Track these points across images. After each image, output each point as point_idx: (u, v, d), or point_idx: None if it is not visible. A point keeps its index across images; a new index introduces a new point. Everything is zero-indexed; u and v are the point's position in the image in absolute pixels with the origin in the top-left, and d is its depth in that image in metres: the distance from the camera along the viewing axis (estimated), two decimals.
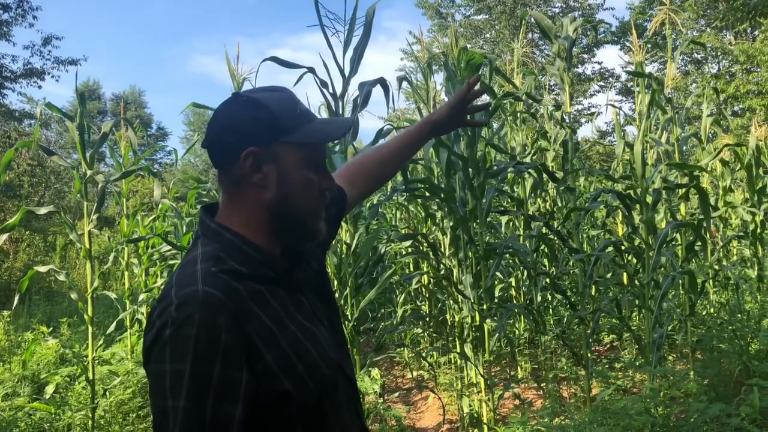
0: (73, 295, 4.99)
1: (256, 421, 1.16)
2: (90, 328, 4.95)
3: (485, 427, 4.84)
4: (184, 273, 1.21)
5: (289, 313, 1.27)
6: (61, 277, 4.94)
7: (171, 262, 8.11)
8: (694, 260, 6.17)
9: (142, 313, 8.02)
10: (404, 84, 5.96)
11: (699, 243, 5.26)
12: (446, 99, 5.48)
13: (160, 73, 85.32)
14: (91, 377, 4.81)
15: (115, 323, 6.37)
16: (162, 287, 1.14)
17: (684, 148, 6.39)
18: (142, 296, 7.25)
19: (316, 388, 1.24)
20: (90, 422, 4.78)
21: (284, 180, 1.29)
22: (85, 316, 4.97)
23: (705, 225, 5.10)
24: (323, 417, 1.28)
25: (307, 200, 1.32)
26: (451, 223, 5.36)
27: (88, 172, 4.95)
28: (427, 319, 6.45)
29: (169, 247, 6.77)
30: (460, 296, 5.11)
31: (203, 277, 1.18)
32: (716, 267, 6.85)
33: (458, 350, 5.33)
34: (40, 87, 24.17)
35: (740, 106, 20.48)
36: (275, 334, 1.21)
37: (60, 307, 11.42)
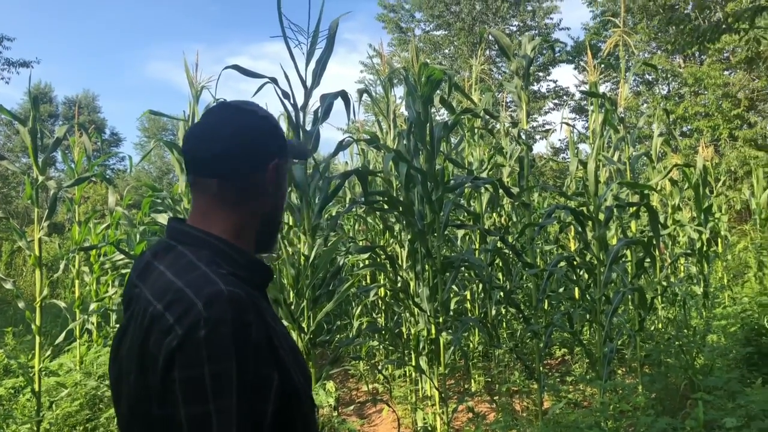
0: (20, 304, 4.85)
1: (274, 420, 1.16)
2: (37, 338, 4.82)
3: None
4: (190, 275, 1.18)
5: (274, 315, 1.29)
6: (8, 285, 4.81)
7: (123, 271, 7.95)
8: (643, 276, 6.32)
9: (92, 323, 7.83)
10: (364, 96, 6.00)
11: (648, 260, 5.41)
12: (406, 114, 5.54)
13: (115, 78, 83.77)
14: (36, 389, 4.68)
15: (64, 333, 6.19)
16: (153, 293, 1.09)
17: (635, 166, 6.57)
18: (92, 306, 7.09)
19: (308, 384, 1.28)
20: None
21: (278, 190, 1.37)
22: (33, 326, 4.84)
23: (654, 242, 5.25)
24: (311, 417, 1.29)
25: (281, 211, 1.42)
26: (409, 236, 5.40)
27: (40, 178, 4.84)
28: (383, 331, 6.46)
29: (121, 256, 6.64)
30: (416, 309, 5.14)
31: (219, 277, 1.16)
32: (664, 283, 7.04)
33: (413, 363, 5.35)
34: None
35: (689, 127, 21.13)
36: (278, 332, 1.23)
37: (5, 316, 11.06)
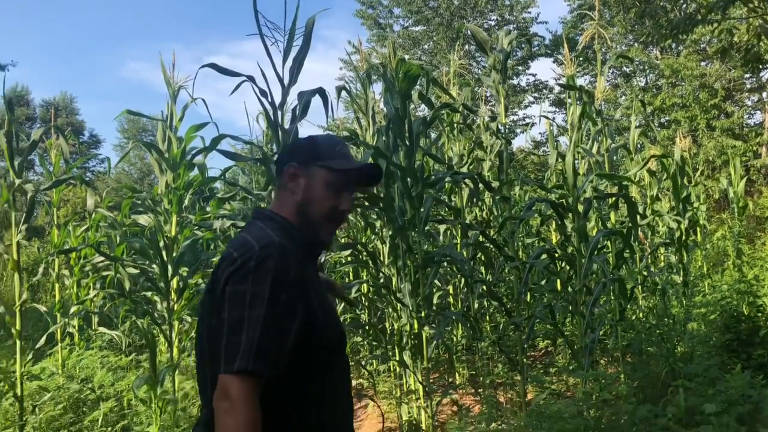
0: (0, 309, 4.81)
1: (299, 341, 1.56)
2: (18, 342, 4.78)
3: None
4: (256, 233, 1.66)
5: (317, 281, 1.77)
6: None
7: (104, 273, 7.89)
8: (623, 267, 6.39)
9: (74, 326, 7.78)
10: (343, 93, 6.00)
11: (628, 250, 5.46)
12: (384, 109, 5.54)
13: (92, 79, 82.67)
14: (19, 393, 4.65)
15: (45, 337, 6.14)
16: (229, 245, 1.75)
17: (614, 158, 6.63)
18: (73, 309, 7.03)
19: (336, 332, 1.72)
20: None
21: (309, 190, 1.76)
22: (13, 330, 4.80)
23: (633, 233, 5.30)
24: (336, 364, 1.73)
25: (321, 210, 1.75)
26: (390, 232, 5.41)
27: (17, 181, 4.79)
28: (367, 327, 6.48)
29: (102, 258, 6.59)
30: (399, 304, 5.16)
31: (276, 234, 1.66)
32: (644, 273, 7.11)
33: (397, 358, 5.38)
34: None
35: (666, 118, 21.31)
36: (315, 286, 1.70)
37: None
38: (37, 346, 6.22)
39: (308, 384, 1.63)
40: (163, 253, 5.42)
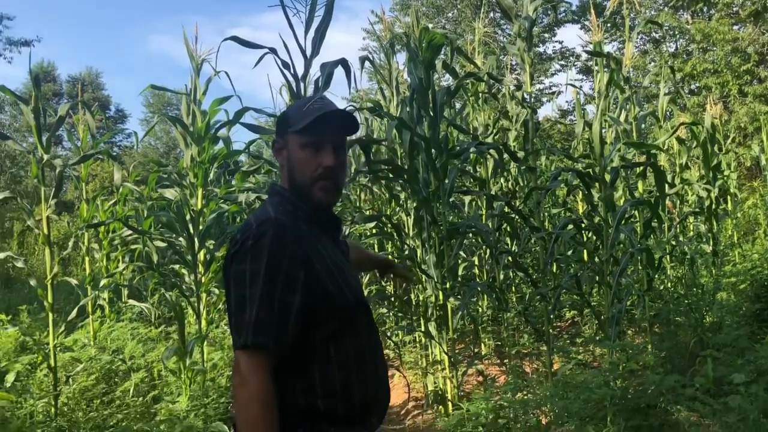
0: (33, 282, 4.90)
1: (307, 310, 1.64)
2: (50, 314, 4.87)
3: (449, 403, 4.92)
4: (258, 212, 1.76)
5: (332, 248, 1.82)
6: (19, 264, 4.85)
7: (133, 246, 8.00)
8: (651, 236, 6.30)
9: (104, 299, 7.91)
10: (367, 64, 5.94)
11: (656, 220, 5.38)
12: (408, 79, 5.49)
13: (117, 54, 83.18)
14: (52, 364, 4.75)
15: (76, 309, 6.25)
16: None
17: (642, 126, 6.51)
18: (103, 281, 7.15)
19: (351, 297, 1.75)
20: (53, 409, 4.72)
21: (290, 158, 1.81)
22: (45, 303, 4.89)
23: (662, 202, 5.22)
24: (358, 327, 1.77)
25: (305, 172, 1.78)
26: (415, 204, 5.39)
27: (45, 157, 4.84)
28: (392, 298, 6.50)
29: (130, 232, 6.68)
30: (423, 276, 5.16)
31: (273, 210, 1.73)
32: (673, 243, 7.01)
33: (423, 329, 5.39)
34: None
35: (697, 85, 20.84)
36: (323, 255, 1.73)
37: (19, 295, 11.19)
38: (69, 318, 6.34)
39: (329, 348, 1.68)
40: (190, 226, 5.46)
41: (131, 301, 7.82)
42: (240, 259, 1.63)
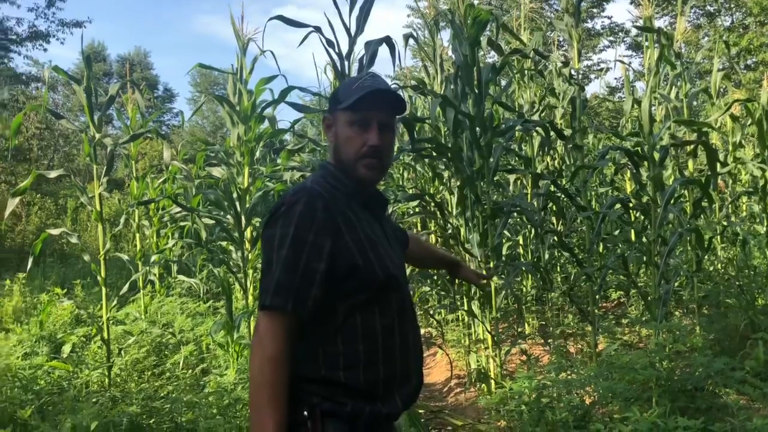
0: (86, 257, 5.06)
1: (333, 280, 1.66)
2: (103, 289, 5.03)
3: (492, 382, 4.93)
4: (298, 185, 1.79)
5: (369, 224, 1.80)
6: (74, 240, 5.00)
7: (182, 223, 8.18)
8: (701, 216, 6.16)
9: (155, 274, 8.13)
10: (411, 42, 5.91)
11: (706, 199, 5.26)
12: (452, 57, 5.44)
13: (164, 34, 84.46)
14: (106, 337, 4.91)
15: (128, 284, 6.45)
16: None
17: (693, 103, 6.33)
18: (154, 257, 7.34)
19: (381, 272, 1.73)
20: (106, 380, 4.89)
21: (338, 135, 1.83)
22: (99, 278, 5.05)
23: (713, 181, 5.09)
24: (388, 303, 1.75)
25: (350, 149, 1.80)
26: (458, 183, 5.37)
27: (97, 135, 4.97)
28: (435, 277, 6.51)
29: (179, 209, 6.82)
30: (467, 255, 5.15)
31: (311, 181, 1.79)
32: (724, 223, 6.84)
33: (466, 308, 5.40)
34: (45, 50, 24.05)
35: (753, 60, 20.13)
36: (356, 228, 1.73)
37: (73, 269, 11.56)
38: (121, 293, 6.56)
39: (354, 320, 1.68)
40: (237, 204, 5.56)
41: (180, 277, 8.02)
42: (272, 223, 1.69)
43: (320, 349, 1.67)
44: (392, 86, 4.82)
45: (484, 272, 4.99)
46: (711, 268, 6.92)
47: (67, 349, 5.70)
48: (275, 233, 1.66)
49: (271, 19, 4.29)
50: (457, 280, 6.10)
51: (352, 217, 1.74)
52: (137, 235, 8.17)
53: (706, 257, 5.84)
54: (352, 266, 1.67)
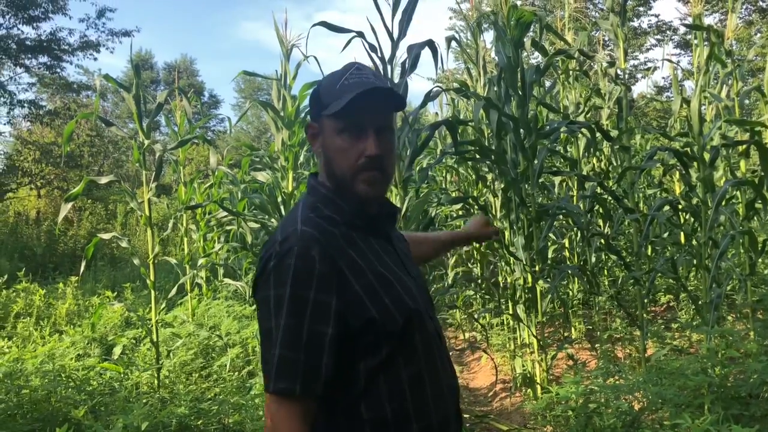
0: (136, 261, 5.17)
1: (347, 339, 1.38)
2: (152, 292, 5.13)
3: (538, 386, 4.87)
4: (287, 219, 1.50)
5: (378, 255, 1.51)
6: (124, 244, 5.12)
7: (228, 227, 8.30)
8: (755, 218, 5.98)
9: (202, 278, 8.26)
10: (453, 44, 5.89)
11: (760, 201, 5.11)
12: (496, 59, 5.41)
13: (209, 41, 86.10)
14: (155, 339, 5.01)
15: (176, 288, 6.58)
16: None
17: (745, 102, 6.16)
18: (201, 261, 7.46)
19: (401, 317, 1.43)
20: (156, 381, 4.99)
21: (326, 147, 1.52)
22: (148, 281, 5.15)
23: (766, 182, 4.94)
24: (412, 348, 1.47)
25: (342, 164, 1.49)
26: (502, 185, 5.33)
27: (146, 142, 5.08)
28: (479, 281, 6.47)
29: (225, 213, 6.93)
30: (512, 258, 5.11)
31: (302, 219, 1.45)
32: None
33: (510, 312, 5.35)
34: (95, 59, 24.62)
35: None
36: (363, 269, 1.44)
37: (123, 273, 11.84)
38: (169, 296, 6.68)
39: (378, 379, 1.41)
40: (281, 208, 5.62)
41: (227, 280, 8.13)
42: (263, 283, 1.39)
43: (342, 417, 1.42)
44: (434, 88, 4.82)
45: (529, 276, 4.94)
46: (765, 272, 6.71)
47: (117, 350, 5.83)
48: (269, 296, 1.36)
49: (314, 25, 4.34)
50: (500, 284, 6.06)
51: (358, 256, 1.45)
52: (185, 239, 8.32)
53: (760, 260, 5.67)
54: (366, 321, 1.39)
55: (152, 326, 5.03)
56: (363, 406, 1.40)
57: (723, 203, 4.95)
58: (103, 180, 5.17)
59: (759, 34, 21.50)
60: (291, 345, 1.33)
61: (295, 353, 1.33)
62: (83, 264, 4.98)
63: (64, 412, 4.17)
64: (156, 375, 5.00)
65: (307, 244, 1.37)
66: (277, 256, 1.38)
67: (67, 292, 8.30)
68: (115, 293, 8.33)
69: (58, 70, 19.23)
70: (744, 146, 5.48)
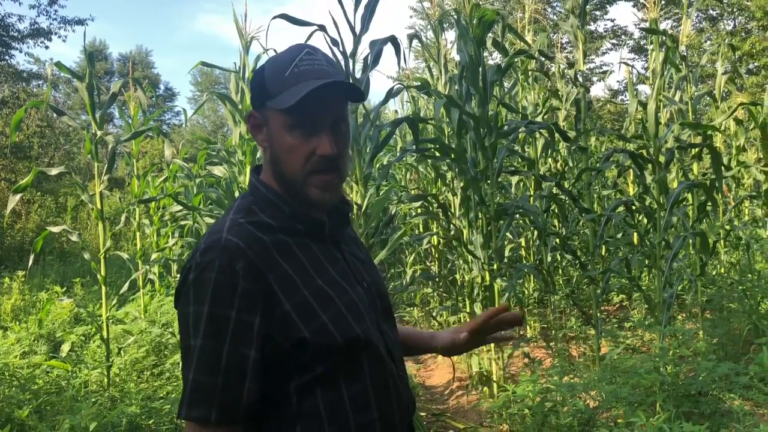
0: (86, 256, 5.02)
1: (275, 362, 1.23)
2: (103, 288, 5.00)
3: (495, 384, 4.90)
4: (216, 223, 1.32)
5: (319, 266, 1.32)
6: (74, 238, 4.97)
7: (182, 222, 8.15)
8: (705, 220, 6.13)
9: (154, 273, 8.09)
10: (414, 42, 5.88)
11: (710, 203, 5.23)
12: (457, 59, 5.42)
13: (166, 33, 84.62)
14: (105, 336, 4.87)
15: (128, 283, 6.42)
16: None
17: (698, 106, 6.31)
18: (154, 256, 7.30)
19: (341, 336, 1.26)
20: (105, 379, 4.86)
21: (272, 143, 1.34)
22: (98, 276, 5.01)
23: (717, 185, 5.06)
24: (357, 366, 1.31)
25: (292, 164, 1.31)
26: (462, 184, 5.34)
27: (99, 133, 4.93)
28: (437, 279, 6.48)
29: (180, 208, 6.79)
30: (470, 256, 5.12)
31: (229, 226, 1.27)
32: (728, 227, 6.81)
33: (468, 310, 5.37)
34: (47, 47, 23.90)
35: (755, 64, 20.11)
36: (297, 284, 1.26)
37: (73, 268, 11.53)
38: (121, 291, 6.53)
39: (314, 399, 1.26)
40: None
41: None
42: (184, 296, 1.24)
43: None
44: (395, 86, 4.79)
45: (486, 275, 4.96)
46: (714, 273, 6.89)
47: (66, 348, 5.66)
48: (188, 312, 1.22)
49: (275, 17, 4.25)
50: (458, 282, 6.08)
51: (293, 268, 1.27)
52: (137, 233, 8.13)
53: (709, 261, 5.81)
54: (296, 341, 1.22)
55: (103, 323, 4.89)
56: (299, 429, 1.25)
57: (676, 205, 5.05)
58: (54, 171, 5.01)
59: (709, 42, 22.11)
60: (207, 369, 1.19)
61: (212, 378, 1.19)
62: (31, 258, 4.81)
63: (7, 412, 4.03)
64: (106, 373, 4.87)
65: (231, 257, 1.21)
66: (197, 268, 1.22)
67: (13, 287, 8.04)
68: (65, 288, 8.09)
69: (7, 57, 18.64)
70: (697, 149, 5.61)
